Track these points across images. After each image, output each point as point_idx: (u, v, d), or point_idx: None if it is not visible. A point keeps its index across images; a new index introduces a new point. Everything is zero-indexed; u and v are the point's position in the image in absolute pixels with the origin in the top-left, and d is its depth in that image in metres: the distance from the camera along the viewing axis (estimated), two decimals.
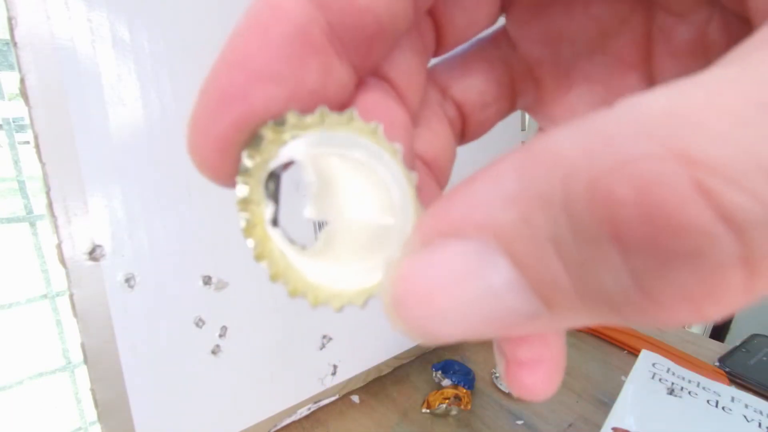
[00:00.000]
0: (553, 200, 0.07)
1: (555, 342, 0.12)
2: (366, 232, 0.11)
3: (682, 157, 0.06)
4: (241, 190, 0.09)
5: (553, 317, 0.08)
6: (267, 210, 0.10)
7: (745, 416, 0.38)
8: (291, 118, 0.09)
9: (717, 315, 0.07)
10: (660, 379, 0.43)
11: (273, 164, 0.10)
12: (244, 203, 0.09)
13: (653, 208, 0.06)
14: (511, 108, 0.15)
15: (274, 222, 0.10)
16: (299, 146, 0.10)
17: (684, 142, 0.06)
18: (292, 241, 0.10)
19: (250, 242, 0.09)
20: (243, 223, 0.09)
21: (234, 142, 0.09)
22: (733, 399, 0.40)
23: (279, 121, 0.09)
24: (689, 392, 0.41)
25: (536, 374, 0.11)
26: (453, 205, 0.08)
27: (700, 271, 0.06)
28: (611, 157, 0.06)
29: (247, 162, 0.09)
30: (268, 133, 0.09)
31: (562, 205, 0.07)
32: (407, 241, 0.09)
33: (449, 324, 0.08)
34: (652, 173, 0.06)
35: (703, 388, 0.42)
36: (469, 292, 0.08)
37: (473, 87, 0.14)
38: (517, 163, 0.08)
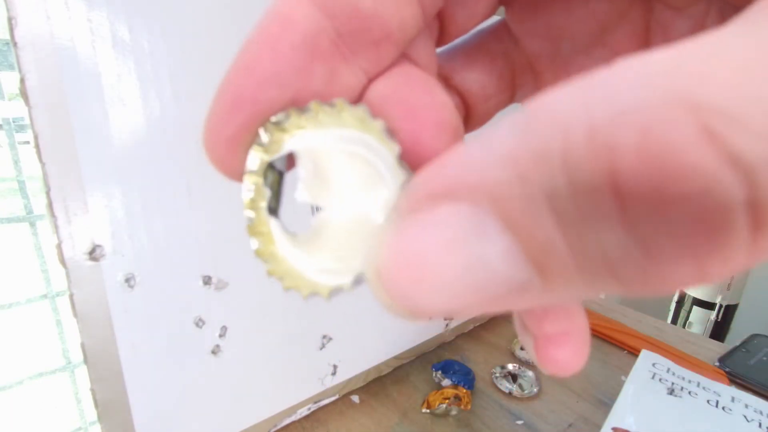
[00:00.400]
0: (550, 155, 0.06)
1: (578, 314, 0.12)
2: (362, 230, 0.11)
3: (686, 102, 0.06)
4: (248, 189, 0.10)
5: (546, 287, 0.07)
6: (266, 200, 0.10)
7: (745, 416, 0.38)
8: (292, 116, 0.10)
9: (720, 273, 0.06)
10: (660, 379, 0.43)
11: (274, 159, 0.10)
12: (251, 202, 0.10)
13: (656, 153, 0.06)
14: (510, 100, 0.15)
15: (272, 211, 0.10)
16: (299, 142, 0.10)
17: (688, 89, 0.06)
18: (286, 230, 0.10)
19: (254, 241, 0.10)
20: (248, 222, 0.10)
21: (244, 142, 0.10)
22: (733, 399, 0.40)
23: (281, 119, 0.10)
24: (689, 392, 0.41)
25: (564, 348, 0.12)
26: (445, 167, 0.08)
27: (705, 219, 0.06)
28: (612, 107, 0.06)
29: (253, 161, 0.10)
30: (272, 132, 0.10)
31: (560, 159, 0.06)
32: (394, 206, 0.09)
33: (436, 296, 0.08)
34: (654, 118, 0.06)
35: (703, 388, 0.42)
36: (459, 260, 0.07)
37: (475, 80, 0.14)
38: (513, 122, 0.07)
